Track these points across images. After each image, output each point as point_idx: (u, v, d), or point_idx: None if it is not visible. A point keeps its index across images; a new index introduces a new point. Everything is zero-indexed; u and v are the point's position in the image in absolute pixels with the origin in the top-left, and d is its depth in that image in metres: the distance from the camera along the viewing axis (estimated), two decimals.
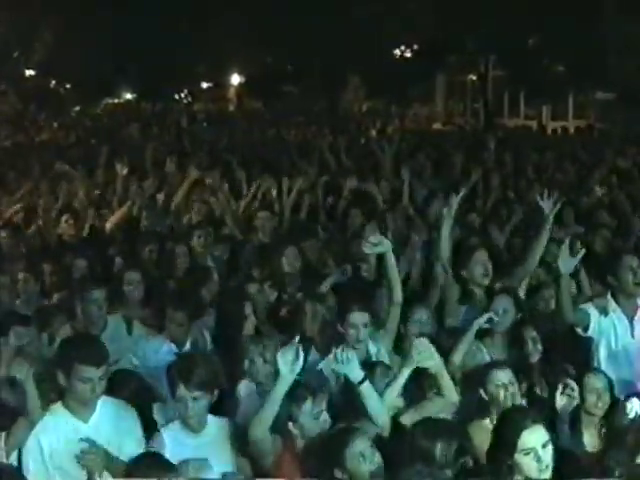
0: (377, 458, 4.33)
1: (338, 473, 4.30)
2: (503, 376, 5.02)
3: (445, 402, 4.99)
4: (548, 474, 4.03)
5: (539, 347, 5.74)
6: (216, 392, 4.74)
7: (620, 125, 23.32)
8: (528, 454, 4.02)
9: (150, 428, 4.81)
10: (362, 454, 4.29)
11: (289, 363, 4.52)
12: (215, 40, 27.93)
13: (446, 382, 4.97)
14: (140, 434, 4.70)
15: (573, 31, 19.65)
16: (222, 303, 6.50)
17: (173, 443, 4.64)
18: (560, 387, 5.20)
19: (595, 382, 5.26)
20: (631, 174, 13.82)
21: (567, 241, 6.11)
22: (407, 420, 4.86)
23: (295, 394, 4.65)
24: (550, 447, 4.09)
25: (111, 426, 4.62)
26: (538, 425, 4.11)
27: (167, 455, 4.51)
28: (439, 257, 6.52)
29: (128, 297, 6.57)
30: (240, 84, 37.16)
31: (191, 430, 4.66)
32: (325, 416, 4.73)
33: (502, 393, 4.98)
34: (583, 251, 6.02)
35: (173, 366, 4.83)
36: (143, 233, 8.60)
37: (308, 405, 4.66)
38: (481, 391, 5.01)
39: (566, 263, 5.90)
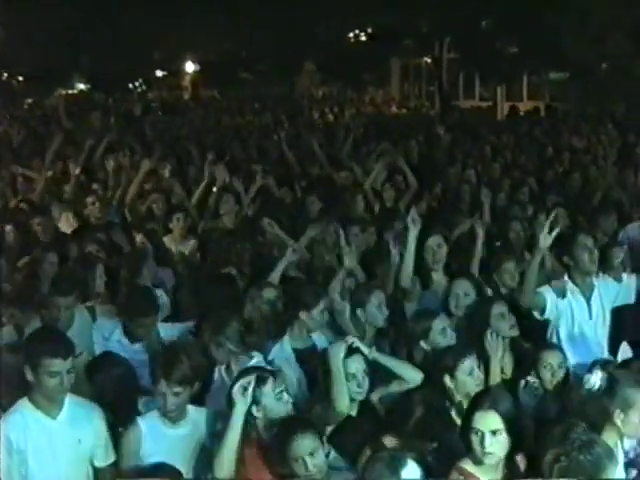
0: (320, 457, 4.29)
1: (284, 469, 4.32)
2: (468, 363, 5.01)
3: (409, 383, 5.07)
4: (488, 460, 4.13)
5: (513, 321, 5.75)
6: (197, 384, 4.78)
7: (575, 104, 23.54)
8: (476, 434, 4.14)
9: (133, 417, 4.80)
10: (302, 457, 4.25)
11: (242, 393, 4.50)
12: (169, 28, 27.67)
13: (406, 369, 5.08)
14: (106, 434, 4.71)
15: (525, 12, 19.71)
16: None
17: (151, 433, 4.67)
18: (522, 383, 5.23)
19: (549, 358, 5.34)
20: (586, 152, 13.99)
21: (551, 217, 6.06)
22: (375, 397, 5.00)
23: (257, 376, 4.62)
24: (502, 437, 4.14)
25: (78, 424, 4.61)
26: (492, 412, 4.16)
27: (144, 445, 4.57)
28: (404, 274, 6.46)
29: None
30: (195, 72, 36.90)
31: (170, 421, 4.70)
32: (286, 397, 4.72)
33: (469, 380, 4.99)
34: (558, 229, 5.97)
35: (156, 359, 4.88)
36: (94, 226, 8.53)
37: (269, 386, 4.65)
38: (447, 378, 4.99)
39: (545, 238, 5.87)
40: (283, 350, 5.75)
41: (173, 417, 4.68)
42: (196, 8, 25.27)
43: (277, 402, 4.67)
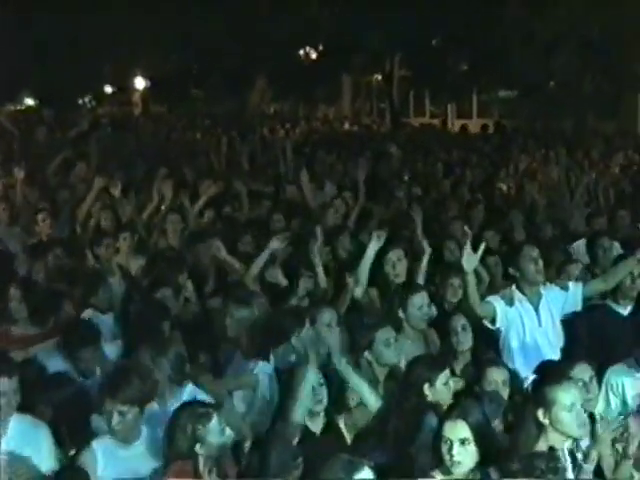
0: None
1: None
2: (443, 377, 5.07)
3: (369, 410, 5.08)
4: (457, 469, 4.21)
5: (469, 336, 5.81)
6: (150, 404, 4.78)
7: (524, 121, 23.81)
8: (445, 443, 4.25)
9: (88, 437, 4.77)
10: None
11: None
12: (118, 43, 27.48)
13: (366, 393, 5.09)
14: (52, 451, 4.68)
15: (475, 31, 19.92)
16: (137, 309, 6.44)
17: (104, 455, 4.63)
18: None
19: (494, 375, 5.38)
20: (535, 169, 14.14)
21: (469, 239, 6.17)
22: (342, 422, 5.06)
23: (199, 413, 4.57)
24: (470, 447, 4.23)
25: (25, 442, 4.58)
26: (461, 421, 4.25)
27: (99, 468, 4.54)
28: (360, 285, 6.46)
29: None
30: (145, 88, 36.69)
31: (123, 441, 4.65)
32: (228, 431, 4.68)
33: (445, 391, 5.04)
34: (483, 246, 6.12)
35: (106, 378, 4.90)
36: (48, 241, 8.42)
37: (214, 422, 4.59)
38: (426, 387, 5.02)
39: (469, 260, 5.99)
40: (267, 368, 5.72)
41: (125, 438, 4.63)
42: (146, 24, 25.12)
43: (220, 438, 4.61)
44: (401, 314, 6.12)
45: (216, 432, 4.57)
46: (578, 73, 19.12)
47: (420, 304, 6.13)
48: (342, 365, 5.12)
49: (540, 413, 4.46)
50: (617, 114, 22.14)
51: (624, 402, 5.80)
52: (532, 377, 4.85)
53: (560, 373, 4.76)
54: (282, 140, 17.11)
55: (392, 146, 14.99)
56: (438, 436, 4.30)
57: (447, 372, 5.12)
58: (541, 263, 6.26)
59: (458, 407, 4.46)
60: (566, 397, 4.44)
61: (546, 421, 4.46)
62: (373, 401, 5.09)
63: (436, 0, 19.78)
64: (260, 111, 34.63)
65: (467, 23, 19.98)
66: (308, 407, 4.94)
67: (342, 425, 5.11)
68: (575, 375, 4.98)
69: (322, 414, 5.07)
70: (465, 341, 5.84)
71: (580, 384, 4.91)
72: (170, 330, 6.04)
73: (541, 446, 4.45)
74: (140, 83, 36.36)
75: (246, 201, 9.91)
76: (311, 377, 4.95)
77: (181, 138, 22.43)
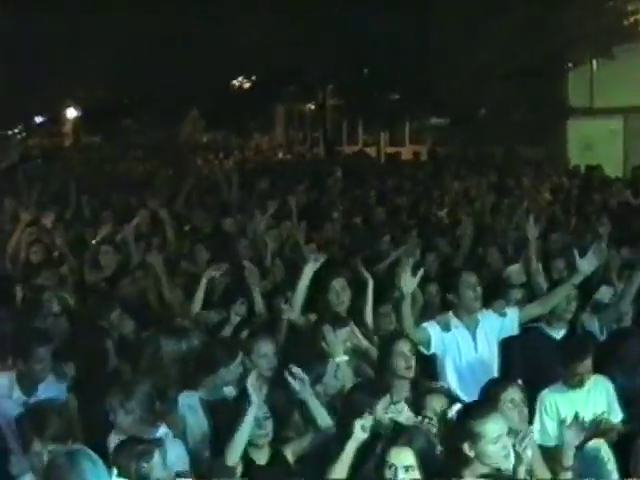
0: None
1: None
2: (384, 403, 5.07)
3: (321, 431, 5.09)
4: None
5: (412, 362, 5.78)
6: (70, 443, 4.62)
7: (456, 148, 24.12)
8: (390, 469, 4.32)
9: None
10: None
11: (258, 389, 4.76)
12: (49, 73, 27.17)
13: (317, 410, 5.08)
14: None
15: (406, 60, 20.16)
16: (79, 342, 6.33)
17: None
18: (420, 418, 5.27)
19: (433, 402, 5.39)
20: (468, 195, 14.31)
21: (410, 263, 6.22)
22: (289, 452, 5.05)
23: (141, 450, 4.52)
24: (414, 473, 4.30)
25: None
26: (406, 448, 4.30)
27: None
28: (295, 306, 6.48)
29: None
30: (76, 118, 36.31)
31: None
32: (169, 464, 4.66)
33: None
34: (422, 272, 6.15)
35: (24, 418, 4.72)
36: None
37: (157, 458, 4.54)
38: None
39: (408, 284, 6.02)
40: (193, 400, 5.66)
41: None
42: (77, 53, 24.90)
43: (164, 471, 4.58)
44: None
45: (160, 467, 4.53)
46: (507, 101, 19.44)
47: (345, 338, 6.10)
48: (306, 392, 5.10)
49: (466, 446, 4.43)
50: (546, 141, 22.56)
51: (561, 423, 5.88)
52: (456, 407, 4.83)
53: (485, 404, 4.74)
54: (221, 170, 17.11)
55: (337, 169, 15.07)
56: (383, 462, 4.31)
57: (387, 398, 5.11)
58: (479, 290, 6.29)
59: (404, 434, 4.45)
60: (492, 430, 4.39)
61: (472, 454, 4.43)
62: (327, 424, 5.09)
63: (366, 31, 19.97)
64: (193, 141, 34.55)
65: (397, 53, 20.21)
66: (246, 442, 4.86)
67: (289, 455, 5.07)
68: (505, 397, 5.00)
69: (267, 445, 5.02)
70: (412, 365, 5.78)
71: (510, 405, 4.95)
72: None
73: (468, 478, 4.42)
74: (71, 113, 36.00)
75: (172, 232, 9.80)
76: (254, 411, 4.89)
77: (114, 169, 22.23)
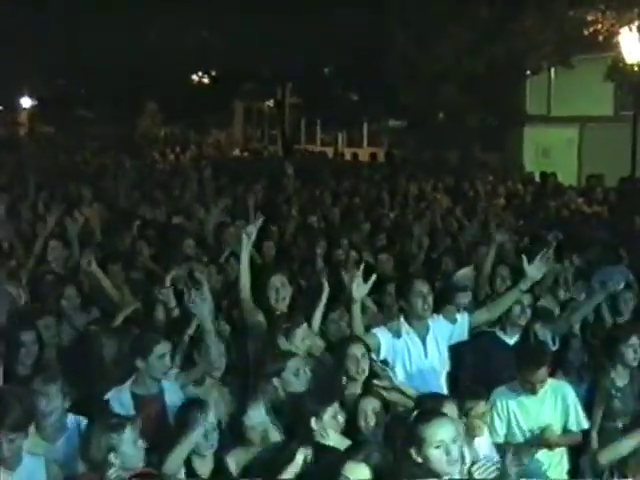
0: None
1: None
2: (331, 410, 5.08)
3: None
4: None
5: (365, 366, 5.77)
6: (31, 429, 4.69)
7: (411, 151, 24.21)
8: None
9: None
10: None
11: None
12: (3, 61, 26.78)
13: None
14: None
15: (365, 61, 20.18)
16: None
17: None
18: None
19: (368, 406, 5.42)
20: (422, 197, 14.37)
21: (361, 268, 6.22)
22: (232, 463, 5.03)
23: (112, 423, 4.62)
24: None
25: None
26: (363, 464, 4.31)
27: None
28: (241, 285, 6.46)
29: None
30: (31, 107, 35.86)
31: (6, 468, 4.58)
32: (141, 443, 4.69)
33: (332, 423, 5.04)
34: (374, 277, 6.16)
35: None
36: None
37: (128, 432, 4.62)
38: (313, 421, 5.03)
39: (359, 289, 6.02)
40: (121, 396, 5.64)
41: (10, 465, 4.56)
42: (33, 41, 24.57)
43: (134, 448, 4.64)
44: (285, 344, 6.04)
45: (130, 442, 4.61)
46: (464, 106, 19.53)
47: (302, 336, 6.09)
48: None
49: (413, 451, 4.42)
50: (502, 146, 22.74)
51: (512, 425, 5.92)
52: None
53: (430, 410, 4.74)
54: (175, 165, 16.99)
55: (289, 167, 15.01)
56: (337, 475, 4.27)
57: (336, 405, 5.08)
58: (430, 299, 6.31)
59: (360, 449, 4.44)
60: (434, 434, 4.37)
61: (419, 459, 4.41)
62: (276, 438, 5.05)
63: (328, 30, 19.96)
64: (151, 134, 34.29)
65: (357, 54, 20.22)
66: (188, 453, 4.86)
67: (232, 465, 5.02)
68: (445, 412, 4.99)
69: (211, 455, 5.00)
70: (365, 368, 5.77)
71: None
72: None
73: None
74: (26, 102, 35.54)
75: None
76: (205, 423, 4.91)
77: (69, 160, 21.97)
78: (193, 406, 5.14)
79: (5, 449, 4.53)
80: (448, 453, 4.34)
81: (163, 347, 5.74)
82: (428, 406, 4.94)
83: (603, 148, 20.73)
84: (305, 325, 6.15)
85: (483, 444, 5.49)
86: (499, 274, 7.75)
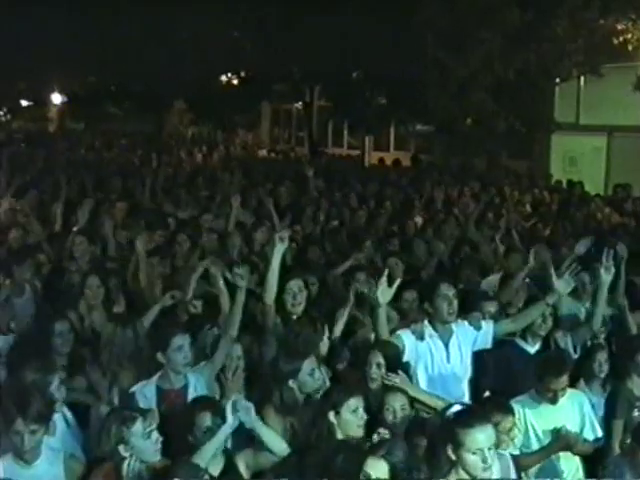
0: None
1: None
2: (354, 402, 5.11)
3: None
4: None
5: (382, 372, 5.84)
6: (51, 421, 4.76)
7: (439, 156, 24.16)
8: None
9: None
10: None
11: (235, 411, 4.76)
12: (36, 57, 27.04)
13: (269, 437, 5.03)
14: None
15: (393, 66, 20.17)
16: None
17: (6, 474, 4.55)
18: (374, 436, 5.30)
19: (392, 401, 5.49)
20: (450, 202, 14.34)
21: (386, 273, 6.23)
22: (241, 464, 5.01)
23: (123, 416, 4.68)
24: None
25: None
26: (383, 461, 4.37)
27: None
28: (267, 288, 6.48)
29: None
30: (61, 103, 36.15)
31: (24, 462, 4.61)
32: (156, 435, 4.72)
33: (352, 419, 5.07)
34: (399, 281, 6.17)
35: (6, 396, 4.74)
36: None
37: (138, 425, 4.65)
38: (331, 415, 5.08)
39: (384, 293, 6.04)
40: (145, 389, 5.70)
41: (28, 458, 4.58)
42: (64, 39, 24.79)
43: (146, 441, 4.67)
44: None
45: (139, 435, 4.65)
46: (492, 112, 19.49)
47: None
48: (256, 424, 5.05)
49: (449, 449, 4.47)
50: (529, 154, 22.65)
51: (530, 435, 5.93)
52: (455, 408, 4.80)
53: (473, 414, 4.76)
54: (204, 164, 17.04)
55: (310, 169, 15.03)
56: (358, 471, 4.31)
57: (355, 401, 5.11)
58: (456, 303, 6.31)
59: (382, 446, 4.54)
60: (475, 441, 4.41)
61: (454, 457, 4.47)
62: (282, 449, 5.03)
63: (358, 34, 19.99)
64: (179, 133, 34.43)
65: (386, 58, 20.22)
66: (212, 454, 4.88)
67: (242, 468, 5.03)
68: (493, 420, 5.00)
69: (221, 455, 4.99)
70: (377, 378, 5.82)
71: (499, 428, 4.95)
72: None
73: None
74: (57, 98, 35.83)
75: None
76: (227, 430, 4.92)
77: (98, 156, 22.13)
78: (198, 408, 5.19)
79: (27, 440, 4.54)
80: (484, 460, 4.39)
81: (180, 339, 5.74)
82: (472, 409, 4.95)
83: (631, 158, 20.62)
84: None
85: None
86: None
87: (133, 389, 5.68)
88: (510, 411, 5.58)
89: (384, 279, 6.08)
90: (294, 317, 6.59)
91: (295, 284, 6.67)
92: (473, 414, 4.62)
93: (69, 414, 5.36)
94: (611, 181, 20.36)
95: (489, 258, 9.71)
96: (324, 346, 6.30)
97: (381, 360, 5.88)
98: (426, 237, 10.48)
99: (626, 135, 21.43)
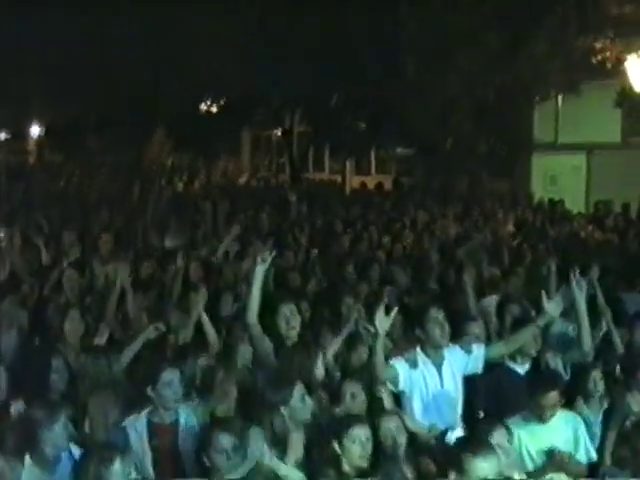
0: None
1: None
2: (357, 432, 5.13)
3: None
4: None
5: (361, 400, 5.79)
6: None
7: (420, 179, 24.22)
8: None
9: None
10: None
11: None
12: (14, 89, 26.95)
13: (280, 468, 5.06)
14: None
15: (373, 89, 20.21)
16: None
17: None
18: None
19: (389, 423, 5.44)
20: (432, 226, 14.36)
21: (384, 301, 6.23)
22: None
23: (101, 455, 4.61)
24: None
25: None
26: None
27: None
28: (250, 311, 6.45)
29: None
30: (40, 136, 36.02)
31: None
32: (134, 474, 4.75)
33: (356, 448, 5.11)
34: (395, 310, 6.14)
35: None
36: None
37: (117, 465, 4.60)
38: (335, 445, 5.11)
39: (382, 323, 6.00)
40: (137, 423, 5.64)
41: None
42: (43, 70, 24.72)
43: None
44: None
45: (119, 474, 4.59)
46: (473, 133, 19.56)
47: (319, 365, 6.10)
48: (272, 461, 5.02)
49: (452, 476, 4.44)
50: (510, 173, 22.74)
51: (523, 455, 5.89)
52: (454, 434, 4.80)
53: (478, 442, 4.73)
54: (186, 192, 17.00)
55: (292, 195, 15.05)
56: None
57: (358, 430, 5.10)
58: (447, 326, 6.31)
59: (380, 470, 4.56)
60: (479, 469, 4.41)
61: None
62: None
63: (336, 58, 20.03)
64: (159, 163, 34.34)
65: (364, 83, 20.26)
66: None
67: None
68: (494, 441, 4.99)
69: None
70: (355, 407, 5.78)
71: (499, 451, 4.93)
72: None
73: None
74: (36, 130, 35.69)
75: None
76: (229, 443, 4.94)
77: (78, 188, 22.05)
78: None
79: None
80: None
81: (170, 374, 5.69)
82: (477, 432, 4.93)
83: (610, 175, 20.74)
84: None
85: None
86: (510, 311, 7.75)
87: (124, 423, 5.62)
88: (499, 425, 5.52)
89: (382, 308, 6.04)
90: (288, 342, 6.53)
91: (288, 308, 6.63)
92: (479, 443, 4.61)
93: (77, 452, 5.26)
94: (591, 199, 20.48)
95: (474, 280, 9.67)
96: (320, 371, 6.22)
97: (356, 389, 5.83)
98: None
99: (605, 152, 21.58)
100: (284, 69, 20.02)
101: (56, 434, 5.08)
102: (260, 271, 6.43)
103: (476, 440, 4.65)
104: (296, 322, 6.63)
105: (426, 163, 23.12)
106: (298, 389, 5.49)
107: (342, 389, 5.82)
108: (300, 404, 5.46)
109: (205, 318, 6.68)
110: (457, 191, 20.75)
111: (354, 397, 5.79)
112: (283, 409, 5.42)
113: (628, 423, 6.36)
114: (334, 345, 6.57)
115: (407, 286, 9.35)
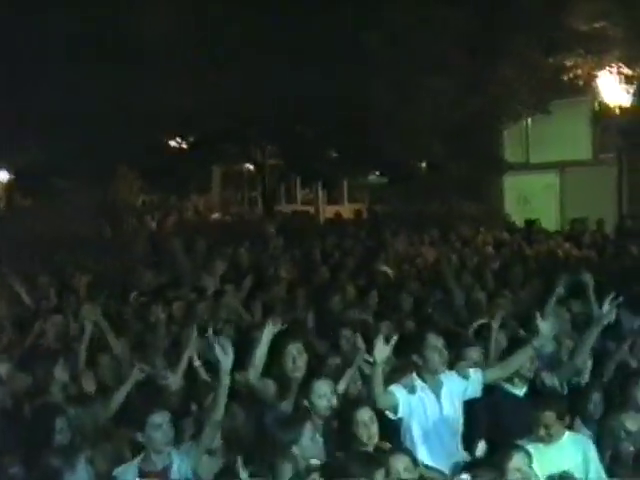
0: None
1: None
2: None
3: None
4: None
5: (374, 430, 5.69)
6: None
7: (394, 206, 24.25)
8: None
9: None
10: None
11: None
12: None
13: None
14: None
15: (344, 119, 20.20)
16: None
17: None
18: None
19: (397, 463, 5.31)
20: (408, 252, 14.34)
21: (382, 331, 6.17)
22: None
23: None
24: None
25: None
26: None
27: None
28: (254, 371, 6.38)
29: None
30: (9, 181, 35.73)
31: None
32: None
33: None
34: (395, 338, 6.06)
35: None
36: None
37: None
38: None
39: (380, 352, 5.93)
40: (127, 472, 5.58)
41: None
42: (9, 115, 24.51)
43: None
44: (306, 403, 5.96)
45: None
46: (444, 157, 19.58)
47: (324, 392, 5.99)
48: None
49: None
50: (483, 196, 22.81)
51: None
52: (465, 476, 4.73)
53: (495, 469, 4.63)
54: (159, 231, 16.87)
55: (271, 227, 14.99)
56: None
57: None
58: (446, 354, 6.26)
59: None
60: None
61: None
62: None
63: (304, 90, 20.00)
64: (129, 202, 34.14)
65: (334, 114, 20.23)
66: None
67: None
68: (513, 465, 4.91)
69: None
70: (373, 435, 5.68)
71: (518, 475, 4.85)
72: None
73: None
74: (4, 176, 35.42)
75: None
76: None
77: (51, 231, 21.86)
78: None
79: None
80: None
81: (159, 417, 5.55)
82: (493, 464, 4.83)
83: (583, 192, 20.86)
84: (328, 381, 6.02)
85: None
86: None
87: (115, 472, 5.48)
88: (517, 450, 5.40)
89: (381, 337, 5.96)
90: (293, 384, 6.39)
91: (294, 347, 6.51)
92: (494, 468, 4.51)
93: None
94: (565, 217, 20.58)
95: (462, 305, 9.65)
96: (333, 402, 6.11)
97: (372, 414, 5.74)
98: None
99: (577, 170, 21.71)
100: (253, 102, 19.95)
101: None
102: (270, 331, 6.32)
103: (490, 469, 4.55)
104: (302, 362, 6.52)
105: (398, 190, 23.14)
106: (309, 427, 5.39)
107: (357, 416, 5.71)
108: (311, 443, 5.37)
109: (197, 362, 6.61)
110: (432, 216, 20.75)
111: (366, 426, 5.70)
112: (295, 449, 5.32)
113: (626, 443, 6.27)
114: (346, 377, 6.47)
115: (406, 312, 9.32)
